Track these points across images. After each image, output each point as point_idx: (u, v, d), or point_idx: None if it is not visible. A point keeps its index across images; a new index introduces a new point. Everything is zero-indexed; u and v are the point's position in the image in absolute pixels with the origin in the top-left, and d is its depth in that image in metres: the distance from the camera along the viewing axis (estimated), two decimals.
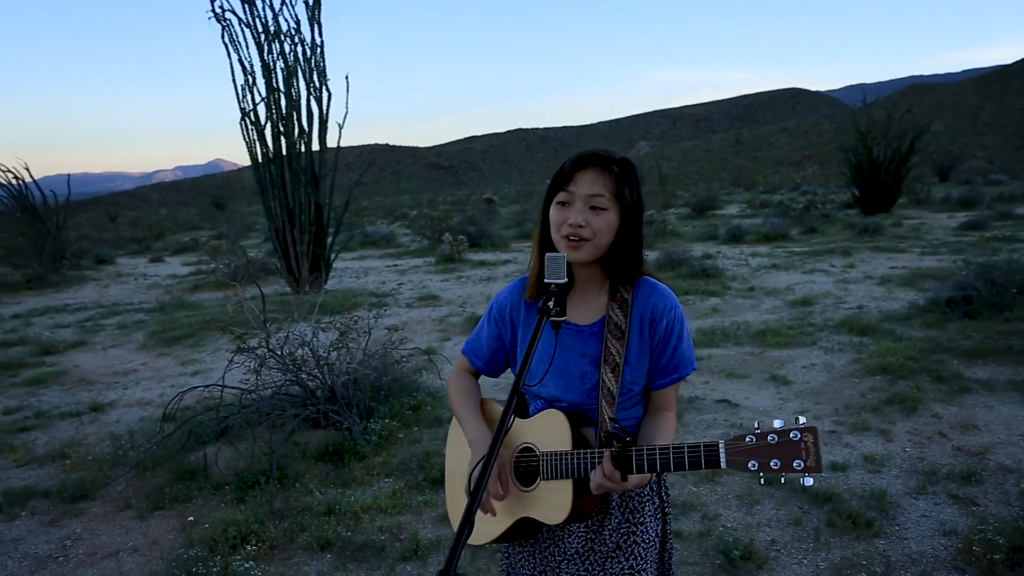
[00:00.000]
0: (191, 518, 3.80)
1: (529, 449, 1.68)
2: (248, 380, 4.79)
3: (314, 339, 5.00)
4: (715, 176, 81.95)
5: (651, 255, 12.36)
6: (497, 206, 35.27)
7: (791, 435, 1.32)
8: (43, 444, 5.14)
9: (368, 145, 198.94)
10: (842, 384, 5.53)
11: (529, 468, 1.67)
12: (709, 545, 3.29)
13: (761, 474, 1.34)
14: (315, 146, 11.69)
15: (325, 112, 11.65)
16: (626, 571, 1.70)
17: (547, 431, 1.65)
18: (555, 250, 1.58)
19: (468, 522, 1.13)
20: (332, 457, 4.45)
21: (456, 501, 1.81)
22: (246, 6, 10.98)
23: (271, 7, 11.10)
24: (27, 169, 17.24)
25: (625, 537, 1.70)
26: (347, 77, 11.65)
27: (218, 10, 10.90)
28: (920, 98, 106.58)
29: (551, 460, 1.61)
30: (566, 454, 1.58)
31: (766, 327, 7.44)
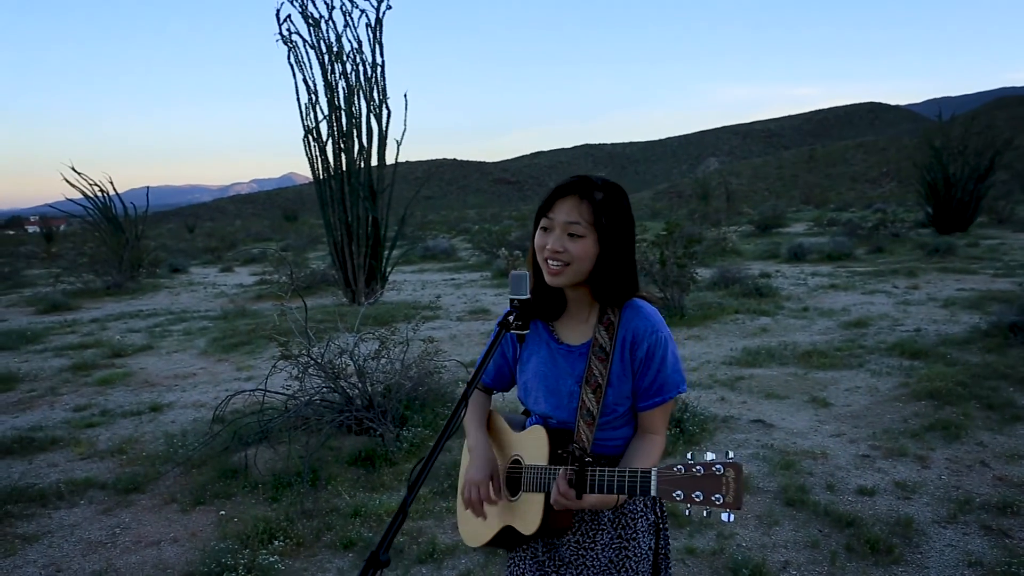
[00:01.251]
0: (222, 512, 4.04)
1: (517, 461, 1.78)
2: (290, 386, 5.03)
3: (354, 349, 5.20)
4: (785, 193, 79.74)
5: (706, 273, 12.21)
6: None
7: (714, 469, 1.34)
8: (105, 440, 5.51)
9: (436, 160, 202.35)
10: (884, 408, 5.37)
11: (517, 479, 1.78)
12: (720, 563, 3.29)
13: (688, 505, 1.36)
14: (374, 162, 12.09)
15: (384, 129, 12.04)
16: None
17: (531, 445, 1.75)
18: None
19: (402, 511, 1.23)
20: (364, 462, 4.63)
21: (460, 506, 1.90)
22: (311, 28, 11.50)
23: (335, 29, 11.59)
24: (111, 182, 18.40)
25: (617, 552, 1.77)
26: (405, 95, 11.98)
27: (285, 33, 11.45)
28: (1011, 111, 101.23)
29: (530, 473, 1.71)
30: (541, 468, 1.67)
31: (813, 348, 7.28)
